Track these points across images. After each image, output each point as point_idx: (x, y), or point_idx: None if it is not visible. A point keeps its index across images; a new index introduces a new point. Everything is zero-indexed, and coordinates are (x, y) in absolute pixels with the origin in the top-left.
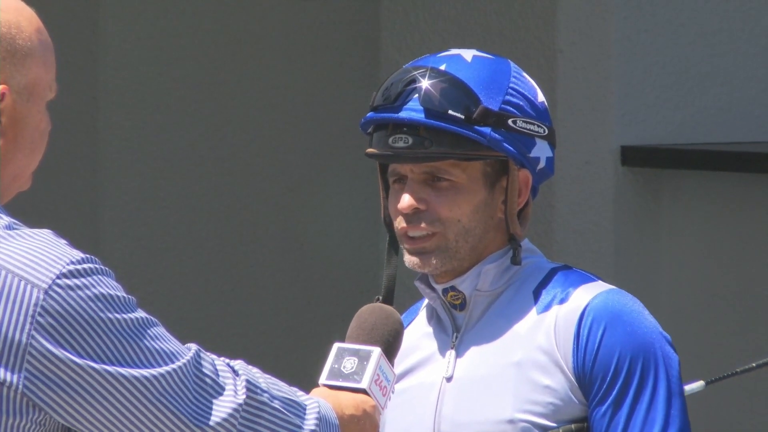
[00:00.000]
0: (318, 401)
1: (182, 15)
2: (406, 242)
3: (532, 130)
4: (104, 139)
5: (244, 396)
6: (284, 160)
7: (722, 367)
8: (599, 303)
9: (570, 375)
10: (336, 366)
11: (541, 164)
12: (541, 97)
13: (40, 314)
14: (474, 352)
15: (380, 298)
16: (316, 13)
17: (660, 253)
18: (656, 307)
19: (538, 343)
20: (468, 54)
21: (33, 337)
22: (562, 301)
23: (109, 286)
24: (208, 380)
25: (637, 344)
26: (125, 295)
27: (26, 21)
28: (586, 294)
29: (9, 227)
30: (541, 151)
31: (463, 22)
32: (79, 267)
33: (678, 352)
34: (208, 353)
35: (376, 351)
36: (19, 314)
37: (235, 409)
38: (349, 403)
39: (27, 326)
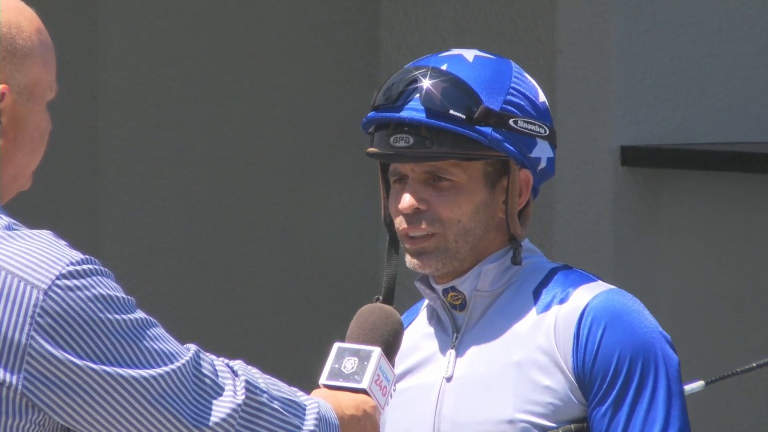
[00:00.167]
0: (318, 401)
1: (182, 15)
2: (406, 242)
3: (533, 131)
4: (104, 139)
5: (243, 396)
6: (284, 160)
7: (722, 367)
8: (599, 303)
9: (570, 375)
10: (336, 366)
11: (542, 164)
12: (542, 98)
13: (39, 315)
14: (474, 352)
15: (380, 298)
16: (316, 13)
17: (660, 252)
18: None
19: (538, 343)
20: (469, 54)
21: (32, 337)
22: (562, 301)
23: (108, 287)
24: (207, 380)
25: (637, 344)
26: (125, 295)
27: (26, 21)
28: (586, 294)
29: (9, 228)
30: (542, 151)
31: (463, 21)
32: (78, 268)
33: (678, 352)
34: (208, 353)
35: (377, 351)
36: (18, 315)
37: (234, 410)
38: (350, 403)
39: (26, 327)
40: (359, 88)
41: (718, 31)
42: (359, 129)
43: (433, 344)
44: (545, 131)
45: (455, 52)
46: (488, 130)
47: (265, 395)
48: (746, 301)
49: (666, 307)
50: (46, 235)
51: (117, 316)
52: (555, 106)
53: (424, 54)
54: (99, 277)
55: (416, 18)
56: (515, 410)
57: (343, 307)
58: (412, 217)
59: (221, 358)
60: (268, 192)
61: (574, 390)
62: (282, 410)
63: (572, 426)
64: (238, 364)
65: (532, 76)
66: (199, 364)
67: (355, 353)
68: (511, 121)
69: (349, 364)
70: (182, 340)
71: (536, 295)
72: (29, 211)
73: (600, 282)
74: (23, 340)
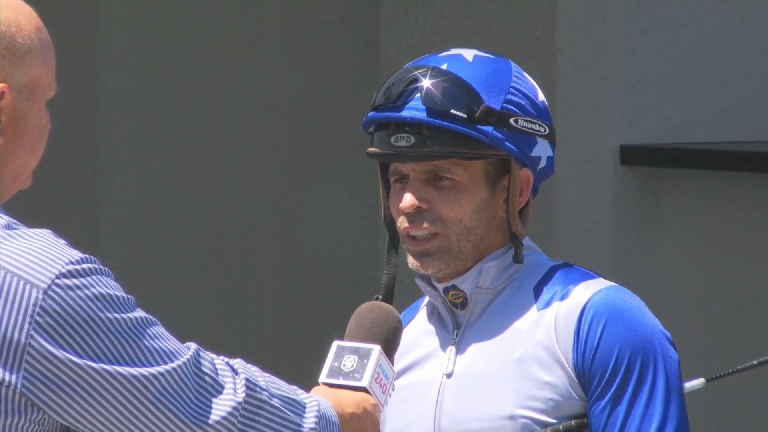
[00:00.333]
0: (318, 399)
1: (182, 15)
2: (408, 243)
3: (533, 129)
4: (104, 139)
5: (243, 394)
6: (284, 160)
7: (721, 366)
8: (600, 299)
9: (570, 371)
10: (336, 364)
11: (542, 163)
12: (541, 97)
13: (39, 314)
14: (474, 349)
15: (380, 297)
16: (316, 13)
17: (659, 252)
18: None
19: (538, 340)
20: (469, 53)
21: (32, 336)
22: (562, 298)
23: (108, 286)
24: (207, 379)
25: (637, 341)
26: (124, 294)
27: (26, 19)
28: (586, 291)
29: (8, 227)
30: (542, 150)
31: (462, 21)
32: (78, 267)
33: (678, 351)
34: (208, 352)
35: (376, 349)
36: (18, 314)
37: (234, 408)
38: (350, 401)
39: (26, 326)
40: (359, 88)
41: (718, 31)
42: (359, 129)
43: (434, 341)
44: (545, 130)
45: (455, 51)
46: (489, 129)
47: (265, 393)
48: (746, 300)
49: (666, 306)
50: (45, 234)
51: (117, 314)
52: (555, 105)
53: (424, 54)
54: (98, 276)
55: (416, 18)
56: (515, 406)
57: (343, 307)
58: (414, 216)
59: (221, 357)
60: (268, 192)
61: (575, 386)
62: (282, 408)
63: (572, 422)
64: (238, 363)
65: (531, 76)
66: (200, 363)
67: (355, 351)
68: (511, 120)
69: (349, 362)
70: (182, 340)
71: (537, 292)
72: (29, 211)
73: (600, 279)
74: (23, 339)
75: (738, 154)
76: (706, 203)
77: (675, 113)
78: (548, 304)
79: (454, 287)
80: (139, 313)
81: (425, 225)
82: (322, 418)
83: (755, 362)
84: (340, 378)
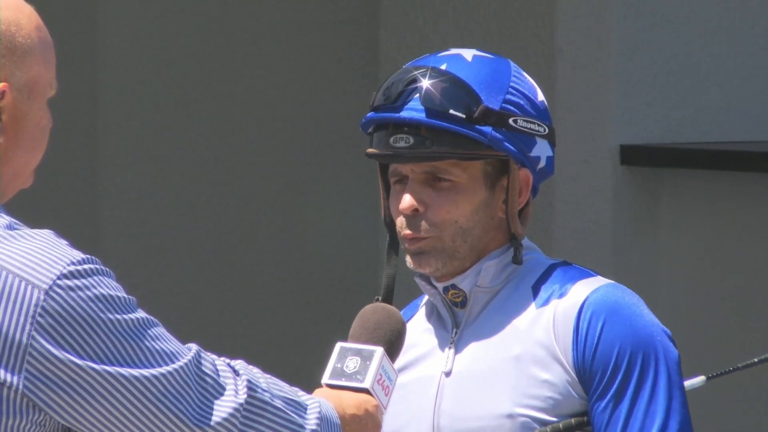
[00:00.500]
0: (319, 401)
1: (181, 14)
2: (406, 243)
3: (532, 129)
4: (104, 138)
5: (245, 396)
6: (284, 160)
7: (721, 366)
8: (598, 297)
9: (569, 369)
10: (339, 366)
11: (542, 163)
12: (541, 97)
13: (40, 315)
14: (473, 348)
15: (380, 298)
16: (316, 13)
17: (659, 251)
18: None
19: (537, 338)
20: (468, 53)
21: (33, 337)
22: (560, 296)
23: (109, 287)
24: (208, 380)
25: (637, 338)
26: (126, 295)
27: (26, 18)
28: (584, 288)
29: (9, 227)
30: (541, 150)
31: (462, 21)
32: (79, 268)
33: (677, 348)
34: (209, 353)
35: (379, 351)
36: (19, 315)
37: (236, 409)
38: (351, 402)
39: (27, 327)
40: (359, 88)
41: (717, 31)
42: (359, 129)
43: (433, 340)
44: (545, 130)
45: (454, 51)
46: (488, 129)
47: (266, 394)
48: (745, 300)
49: (665, 305)
50: (47, 234)
51: (118, 315)
52: (554, 105)
53: (424, 54)
54: (100, 277)
55: (416, 18)
56: (514, 404)
57: (343, 307)
58: (411, 220)
59: (222, 358)
60: (268, 192)
61: (574, 384)
62: (284, 409)
63: (573, 420)
64: (239, 364)
65: (531, 76)
66: (201, 364)
67: (358, 353)
68: (510, 120)
69: (352, 363)
70: (182, 340)
71: (535, 290)
72: (29, 211)
73: (598, 277)
74: (24, 340)
75: (738, 153)
76: (706, 203)
77: (675, 113)
78: (547, 302)
79: (453, 286)
80: (141, 314)
81: (421, 230)
82: (323, 419)
83: (756, 360)
84: (343, 379)
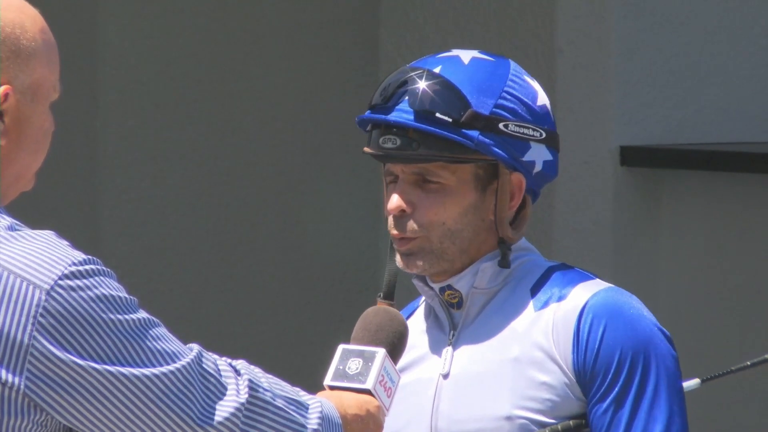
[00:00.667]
0: (321, 401)
1: (181, 14)
2: (395, 243)
3: (525, 134)
4: (104, 138)
5: (246, 395)
6: (284, 160)
7: (720, 366)
8: (598, 301)
9: (569, 372)
10: (341, 367)
11: (538, 167)
12: (541, 101)
13: (42, 315)
14: (471, 349)
15: (381, 294)
16: (315, 12)
17: (659, 252)
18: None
19: (535, 341)
20: (467, 55)
21: (35, 338)
22: (560, 299)
23: (110, 287)
24: (210, 380)
25: (638, 342)
26: (127, 296)
27: (30, 21)
28: (584, 292)
29: (11, 228)
30: (536, 154)
31: (462, 21)
32: (81, 268)
33: (676, 350)
34: (210, 353)
35: (381, 352)
36: (21, 315)
37: (237, 409)
38: (352, 402)
39: (29, 327)
40: (359, 87)
41: (717, 31)
42: (359, 129)
43: (431, 341)
44: (541, 135)
45: (454, 53)
46: (475, 133)
47: (268, 394)
48: (745, 301)
49: (665, 306)
50: (48, 235)
51: (119, 316)
52: (554, 105)
53: (424, 53)
54: (101, 278)
55: (416, 17)
56: (512, 407)
57: (343, 307)
58: (399, 220)
59: (224, 358)
60: (268, 192)
61: (572, 387)
62: (285, 409)
63: (571, 422)
64: (240, 364)
65: (531, 76)
66: (202, 364)
67: (360, 354)
68: (501, 125)
69: (354, 365)
70: (182, 340)
71: (534, 292)
72: (29, 211)
73: (598, 280)
74: (25, 340)
75: (738, 154)
76: (706, 203)
77: (674, 113)
78: (545, 305)
79: (449, 287)
80: (142, 314)
81: (408, 231)
82: (324, 419)
83: (749, 363)
84: (345, 381)
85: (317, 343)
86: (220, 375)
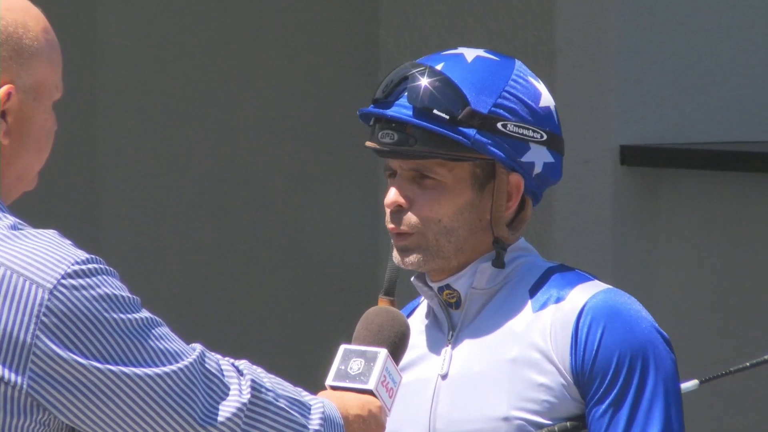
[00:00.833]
0: (323, 401)
1: (181, 13)
2: (392, 238)
3: (525, 135)
4: (104, 138)
5: (248, 395)
6: (284, 159)
7: (719, 366)
8: (597, 303)
9: (566, 374)
10: (342, 367)
11: (537, 169)
12: (545, 102)
13: (44, 314)
14: (469, 350)
15: (383, 290)
16: (315, 11)
17: (658, 251)
18: (654, 306)
19: (533, 342)
20: (471, 54)
21: (37, 337)
22: (558, 300)
23: (113, 286)
24: (213, 379)
25: (636, 344)
26: (130, 295)
27: (33, 20)
28: (583, 294)
29: (14, 227)
30: (536, 156)
31: (461, 20)
32: (83, 267)
33: (675, 350)
34: (213, 353)
35: (383, 352)
36: (23, 314)
37: (239, 409)
38: (354, 403)
39: (31, 326)
40: (358, 87)
41: (717, 30)
42: (359, 128)
43: (429, 341)
44: (541, 136)
45: (459, 51)
46: (472, 131)
47: (270, 394)
48: (744, 300)
49: (664, 305)
50: (51, 234)
51: (122, 315)
52: None
53: (424, 53)
54: (104, 277)
55: (415, 17)
56: (510, 407)
57: (343, 306)
58: (395, 215)
59: (226, 358)
60: (268, 192)
61: (570, 388)
62: (287, 409)
63: (568, 423)
64: (243, 364)
65: (537, 78)
66: (205, 363)
67: (362, 354)
68: (499, 125)
69: (356, 365)
70: (183, 340)
71: (532, 293)
72: (29, 211)
73: (596, 281)
74: (28, 339)
75: (737, 153)
76: (705, 203)
77: (674, 112)
78: (544, 306)
79: (448, 287)
80: (145, 313)
81: (403, 226)
82: (326, 420)
83: (748, 364)
84: (347, 381)
85: (317, 342)
86: (223, 375)
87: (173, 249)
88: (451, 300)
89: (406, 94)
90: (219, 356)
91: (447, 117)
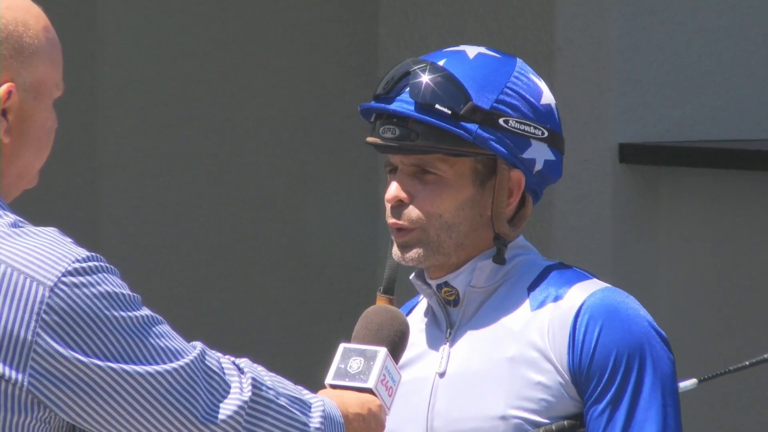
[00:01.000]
0: (323, 399)
1: (181, 13)
2: (393, 234)
3: (526, 131)
4: (104, 138)
5: (249, 393)
6: (284, 159)
7: (719, 364)
8: (595, 301)
9: (564, 372)
10: (342, 366)
11: (538, 166)
12: (546, 100)
13: (45, 312)
14: (467, 348)
15: (381, 288)
16: (315, 11)
17: (658, 250)
18: (654, 304)
19: (531, 340)
20: (473, 51)
21: (38, 334)
22: (556, 299)
23: (114, 284)
24: (214, 377)
25: (634, 343)
26: (130, 293)
27: (33, 19)
28: (581, 292)
29: (14, 225)
30: (537, 153)
31: (461, 19)
32: (84, 265)
33: (674, 349)
34: (214, 351)
35: (383, 351)
36: (24, 312)
37: (240, 407)
38: (354, 401)
39: (32, 324)
40: (358, 86)
41: (717, 29)
42: (358, 127)
43: (428, 339)
44: (542, 133)
45: (461, 48)
46: (474, 127)
47: (271, 392)
48: (745, 299)
49: (664, 304)
50: (51, 232)
51: (123, 313)
52: None
53: (423, 52)
54: (105, 274)
55: (415, 16)
56: (507, 406)
57: (343, 306)
58: (396, 210)
59: (227, 356)
60: (268, 191)
61: (567, 387)
62: (288, 407)
63: (565, 422)
64: (244, 362)
65: (539, 76)
66: (206, 361)
67: (361, 353)
68: (501, 120)
69: (355, 364)
70: (184, 338)
71: (531, 292)
72: (29, 210)
73: (595, 280)
74: (29, 337)
75: (737, 152)
76: (705, 201)
77: (673, 111)
78: (542, 304)
79: (446, 284)
80: (145, 311)
81: (404, 220)
82: (327, 418)
83: (747, 363)
84: (346, 380)
85: (316, 342)
86: (224, 373)
87: (173, 249)
88: (450, 297)
89: (407, 89)
90: (220, 354)
91: (449, 112)
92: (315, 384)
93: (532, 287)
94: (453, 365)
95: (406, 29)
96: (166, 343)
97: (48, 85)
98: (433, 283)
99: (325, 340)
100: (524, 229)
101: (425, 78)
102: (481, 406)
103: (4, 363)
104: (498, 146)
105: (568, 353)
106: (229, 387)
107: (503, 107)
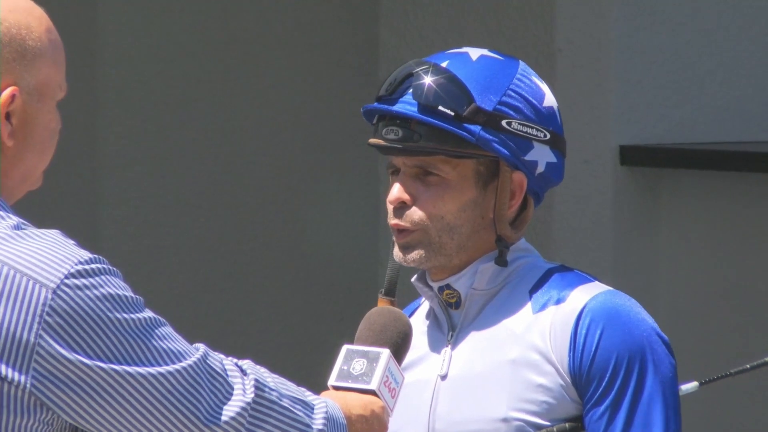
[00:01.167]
0: (326, 401)
1: (181, 13)
2: (394, 235)
3: (528, 133)
4: (104, 138)
5: (252, 395)
6: (284, 160)
7: (720, 367)
8: (597, 304)
9: (565, 375)
10: (345, 368)
11: (540, 168)
12: (548, 102)
13: (48, 314)
14: (469, 351)
15: (383, 290)
16: (315, 12)
17: (658, 251)
18: (654, 306)
19: (533, 343)
20: (476, 53)
21: (41, 336)
22: (558, 302)
23: (116, 286)
24: (217, 378)
25: (635, 346)
26: (133, 295)
27: (36, 21)
28: (583, 295)
29: (17, 227)
30: (539, 155)
31: (462, 20)
32: (87, 267)
33: (675, 351)
34: (216, 353)
35: (385, 353)
36: (27, 314)
37: (243, 408)
38: (356, 403)
39: (35, 326)
40: (358, 87)
41: (717, 30)
42: (359, 128)
43: (430, 342)
44: (545, 135)
45: (464, 49)
46: (476, 128)
47: (274, 394)
48: (745, 301)
49: (664, 305)
50: (54, 234)
51: (125, 315)
52: None
53: (424, 53)
54: (107, 276)
55: (415, 17)
56: (509, 409)
57: (343, 307)
58: (398, 211)
59: (230, 358)
60: (268, 192)
61: (568, 389)
62: (291, 409)
63: (567, 424)
64: (246, 364)
65: (541, 78)
66: (209, 363)
67: (364, 355)
68: (503, 122)
69: (358, 365)
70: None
71: (532, 294)
72: (29, 211)
73: (597, 283)
74: (32, 339)
75: (738, 153)
76: (706, 203)
77: (674, 112)
78: (544, 307)
79: (448, 286)
80: (148, 313)
81: (406, 222)
82: (330, 420)
83: (748, 366)
84: (349, 381)
85: (317, 342)
86: (227, 374)
87: (173, 249)
88: (451, 300)
89: (410, 91)
90: (222, 356)
91: (452, 114)
92: (316, 384)
93: (533, 290)
94: (455, 368)
95: (407, 29)
96: (169, 344)
97: (51, 87)
98: (435, 285)
99: (326, 340)
100: (525, 232)
101: (428, 79)
102: (482, 408)
103: (7, 365)
104: (500, 148)
105: (569, 356)
106: (232, 388)
107: (506, 109)
